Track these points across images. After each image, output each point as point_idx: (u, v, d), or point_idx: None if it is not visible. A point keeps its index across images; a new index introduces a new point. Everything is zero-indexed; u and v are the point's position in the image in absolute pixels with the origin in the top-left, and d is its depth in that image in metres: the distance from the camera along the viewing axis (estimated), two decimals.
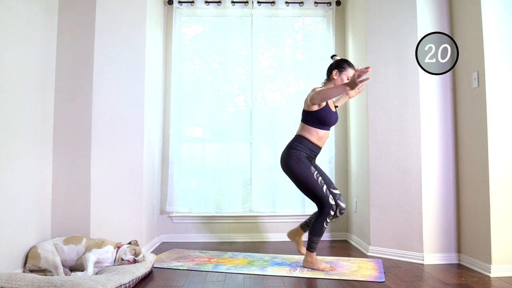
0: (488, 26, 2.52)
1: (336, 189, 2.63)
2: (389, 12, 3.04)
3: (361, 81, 2.28)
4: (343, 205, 2.58)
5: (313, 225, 2.58)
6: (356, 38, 3.49)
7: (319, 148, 2.67)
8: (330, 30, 3.84)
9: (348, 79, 2.60)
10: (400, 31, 2.98)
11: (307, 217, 2.91)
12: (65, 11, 2.84)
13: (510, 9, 2.54)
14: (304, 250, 2.77)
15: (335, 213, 2.56)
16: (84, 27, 2.86)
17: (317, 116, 2.58)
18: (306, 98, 2.63)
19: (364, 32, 3.20)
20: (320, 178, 2.57)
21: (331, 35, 3.84)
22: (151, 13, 3.24)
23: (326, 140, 2.70)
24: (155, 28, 3.40)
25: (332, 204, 2.54)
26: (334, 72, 2.63)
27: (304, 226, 2.84)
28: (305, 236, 2.74)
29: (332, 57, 2.81)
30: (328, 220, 2.55)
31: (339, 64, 2.65)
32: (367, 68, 2.26)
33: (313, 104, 2.55)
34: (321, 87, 2.66)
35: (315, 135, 2.61)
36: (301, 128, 2.66)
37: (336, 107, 2.77)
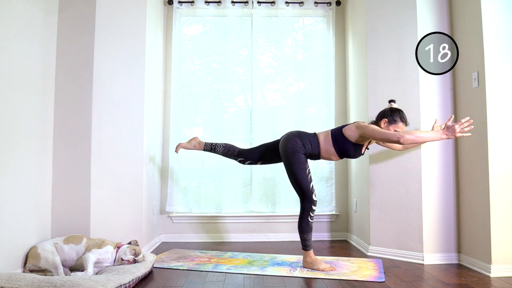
0: (488, 26, 2.52)
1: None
2: (389, 12, 3.04)
3: (460, 135, 2.30)
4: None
5: (300, 224, 2.61)
6: (356, 38, 3.49)
7: (318, 159, 2.71)
8: (330, 30, 3.85)
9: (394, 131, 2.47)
10: (400, 31, 2.98)
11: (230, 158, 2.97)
12: (65, 11, 2.84)
13: (510, 9, 2.54)
14: (179, 149, 2.99)
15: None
16: (84, 27, 2.86)
17: (347, 147, 2.56)
18: (357, 127, 2.51)
19: (364, 32, 3.20)
20: (310, 175, 2.60)
21: (331, 35, 3.84)
22: (151, 13, 3.24)
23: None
24: (155, 28, 3.40)
25: (314, 200, 2.57)
26: (384, 121, 2.57)
27: (207, 146, 2.95)
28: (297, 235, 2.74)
29: (390, 102, 2.69)
30: (311, 215, 2.58)
31: (393, 115, 2.57)
32: (469, 120, 2.29)
33: (373, 138, 2.48)
34: (367, 124, 2.53)
35: (327, 153, 2.64)
36: (324, 137, 2.62)
37: (367, 148, 2.73)
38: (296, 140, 2.61)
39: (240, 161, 2.91)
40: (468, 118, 2.33)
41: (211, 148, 2.93)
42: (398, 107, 2.68)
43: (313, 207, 2.58)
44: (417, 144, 2.42)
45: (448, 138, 2.35)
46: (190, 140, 2.99)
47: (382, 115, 2.63)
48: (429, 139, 2.40)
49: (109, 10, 2.91)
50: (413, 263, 2.78)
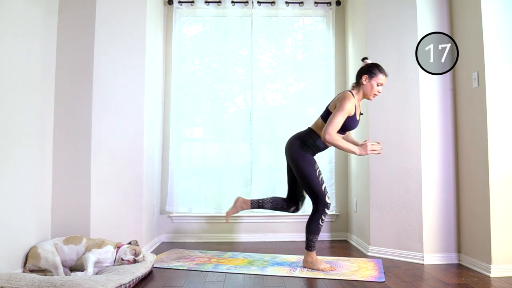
0: (488, 26, 2.52)
1: None
2: (389, 12, 3.04)
3: (371, 153, 2.45)
4: (304, 199, 2.80)
5: (309, 224, 2.58)
6: (356, 38, 3.49)
7: (326, 148, 2.66)
8: (330, 30, 3.84)
9: (378, 85, 2.52)
10: (400, 31, 2.98)
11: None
12: (65, 11, 2.84)
13: (510, 9, 2.54)
14: (229, 217, 2.83)
15: (298, 205, 2.77)
16: (84, 27, 2.86)
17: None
18: (336, 100, 2.53)
19: (364, 32, 3.20)
20: (321, 176, 2.57)
21: (331, 35, 3.84)
22: (151, 13, 3.24)
23: None
24: (155, 28, 3.39)
25: (328, 203, 2.54)
26: (364, 77, 2.53)
27: (254, 203, 2.79)
28: (302, 237, 2.72)
29: (363, 59, 2.66)
30: (323, 218, 2.56)
31: (370, 69, 2.53)
32: (378, 142, 2.48)
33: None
34: (350, 90, 2.57)
35: None
36: (317, 125, 2.60)
37: (361, 114, 2.71)
38: (297, 142, 2.60)
39: (294, 210, 2.80)
40: (379, 143, 2.52)
41: (259, 205, 2.78)
42: (373, 62, 2.64)
43: (326, 210, 2.55)
44: (335, 146, 2.45)
45: (360, 154, 2.45)
46: (234, 203, 2.82)
47: (360, 72, 2.57)
48: (345, 149, 2.45)
49: (109, 10, 2.91)
50: (413, 263, 2.78)
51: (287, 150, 2.65)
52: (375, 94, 2.56)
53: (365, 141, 2.48)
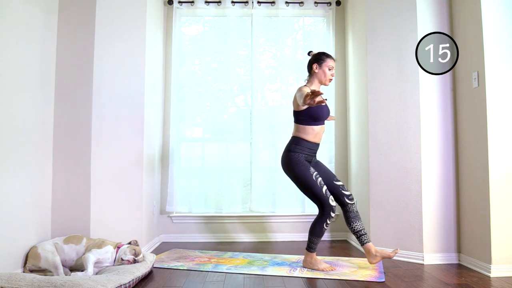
0: (488, 26, 2.52)
1: (339, 180, 2.70)
2: (389, 12, 3.04)
3: (318, 103, 2.21)
4: (347, 193, 2.67)
5: (313, 226, 2.59)
6: (356, 38, 3.49)
7: (317, 145, 2.68)
8: (330, 30, 3.84)
9: (329, 70, 2.64)
10: (400, 31, 2.98)
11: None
12: (65, 11, 2.84)
13: (510, 9, 2.54)
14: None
15: (345, 202, 2.64)
16: (84, 27, 2.86)
17: (308, 114, 2.59)
18: (294, 99, 2.64)
19: (364, 32, 3.20)
20: (319, 179, 2.57)
21: (331, 35, 3.84)
22: (151, 13, 3.24)
23: (323, 135, 2.69)
24: (155, 28, 3.40)
25: (333, 206, 2.54)
26: (315, 66, 2.66)
27: (356, 235, 2.65)
28: (302, 237, 2.72)
29: (308, 53, 2.79)
30: (328, 222, 2.56)
31: (318, 57, 2.67)
32: (319, 93, 2.21)
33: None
34: (305, 85, 2.67)
35: (311, 133, 2.61)
36: (296, 129, 2.66)
37: (325, 100, 2.73)
38: (288, 154, 2.62)
39: (347, 205, 2.65)
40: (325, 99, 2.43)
41: (356, 234, 2.64)
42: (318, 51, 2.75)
43: (332, 214, 2.55)
44: (303, 101, 2.26)
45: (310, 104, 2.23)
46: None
47: (310, 63, 2.70)
48: (305, 99, 2.24)
49: (109, 10, 2.91)
50: (413, 263, 2.78)
51: (282, 163, 2.68)
52: (330, 79, 2.68)
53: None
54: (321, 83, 2.69)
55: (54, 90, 2.79)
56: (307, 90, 2.51)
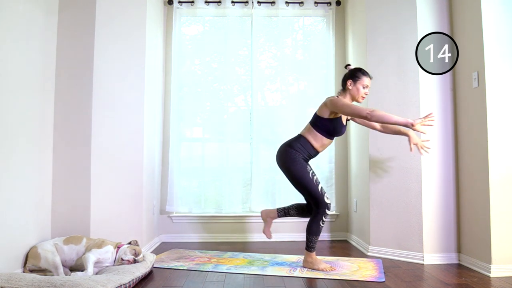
0: (488, 26, 2.52)
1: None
2: (389, 12, 3.04)
3: (420, 126, 2.32)
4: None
5: (310, 225, 2.58)
6: (356, 38, 3.49)
7: (318, 154, 2.69)
8: (330, 30, 3.84)
9: (363, 88, 2.59)
10: (400, 31, 2.98)
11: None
12: (65, 11, 2.84)
13: (510, 9, 2.54)
14: (269, 232, 2.80)
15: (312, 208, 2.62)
16: (84, 27, 2.86)
17: (327, 125, 2.58)
18: (324, 105, 2.59)
19: (364, 32, 3.20)
20: (315, 177, 2.58)
21: (331, 35, 3.84)
22: (151, 13, 3.24)
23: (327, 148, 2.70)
24: (155, 28, 3.39)
25: (327, 203, 2.54)
26: (349, 82, 2.61)
27: (280, 211, 2.78)
28: (302, 237, 2.73)
29: (346, 66, 2.75)
30: (324, 219, 2.56)
31: (353, 74, 2.62)
32: (430, 115, 2.34)
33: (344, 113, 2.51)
34: (336, 96, 2.60)
35: (319, 141, 2.61)
36: (307, 130, 2.65)
37: (347, 120, 2.74)
38: (288, 149, 2.61)
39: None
40: (432, 113, 2.39)
41: (285, 213, 2.76)
42: (355, 67, 2.71)
43: (327, 211, 2.55)
44: (385, 122, 2.36)
45: (412, 126, 2.32)
46: (263, 219, 2.82)
47: (345, 78, 2.66)
48: (396, 120, 2.36)
49: (109, 10, 2.91)
50: (413, 263, 2.78)
51: (278, 157, 2.66)
52: (362, 97, 2.63)
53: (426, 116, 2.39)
54: (353, 99, 2.64)
55: (54, 90, 2.79)
56: (348, 102, 2.55)
